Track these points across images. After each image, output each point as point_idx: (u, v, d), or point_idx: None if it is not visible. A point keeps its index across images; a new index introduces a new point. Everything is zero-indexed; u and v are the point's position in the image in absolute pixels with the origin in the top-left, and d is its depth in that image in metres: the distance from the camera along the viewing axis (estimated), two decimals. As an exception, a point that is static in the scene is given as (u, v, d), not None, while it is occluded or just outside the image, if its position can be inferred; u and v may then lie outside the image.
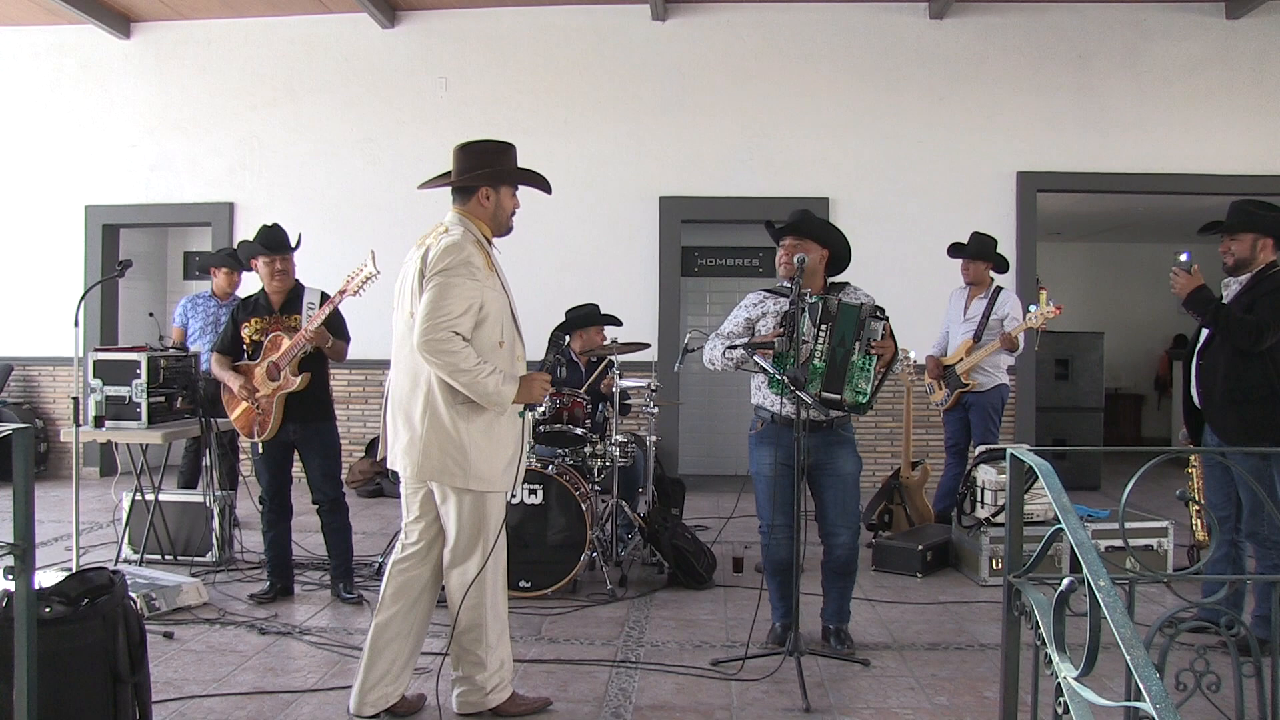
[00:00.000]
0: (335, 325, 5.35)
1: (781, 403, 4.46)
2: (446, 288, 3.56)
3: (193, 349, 7.23)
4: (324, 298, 5.31)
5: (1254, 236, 4.70)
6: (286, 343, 5.20)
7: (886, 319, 4.45)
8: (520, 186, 3.93)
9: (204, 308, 7.44)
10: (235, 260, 7.36)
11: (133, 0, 9.37)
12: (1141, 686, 1.73)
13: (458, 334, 3.53)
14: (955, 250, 7.14)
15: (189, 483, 7.27)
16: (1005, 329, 6.82)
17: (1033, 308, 6.71)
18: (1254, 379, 4.60)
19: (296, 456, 5.49)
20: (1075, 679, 2.08)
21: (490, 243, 3.85)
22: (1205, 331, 4.84)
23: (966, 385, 6.93)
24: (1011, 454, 2.57)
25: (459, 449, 3.63)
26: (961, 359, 6.95)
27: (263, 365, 5.25)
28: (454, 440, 3.63)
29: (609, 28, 9.47)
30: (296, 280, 5.53)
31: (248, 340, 5.40)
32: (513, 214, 3.89)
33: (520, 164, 3.92)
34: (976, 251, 7.04)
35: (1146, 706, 1.72)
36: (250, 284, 6.76)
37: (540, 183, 3.93)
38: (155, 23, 9.80)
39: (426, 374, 3.65)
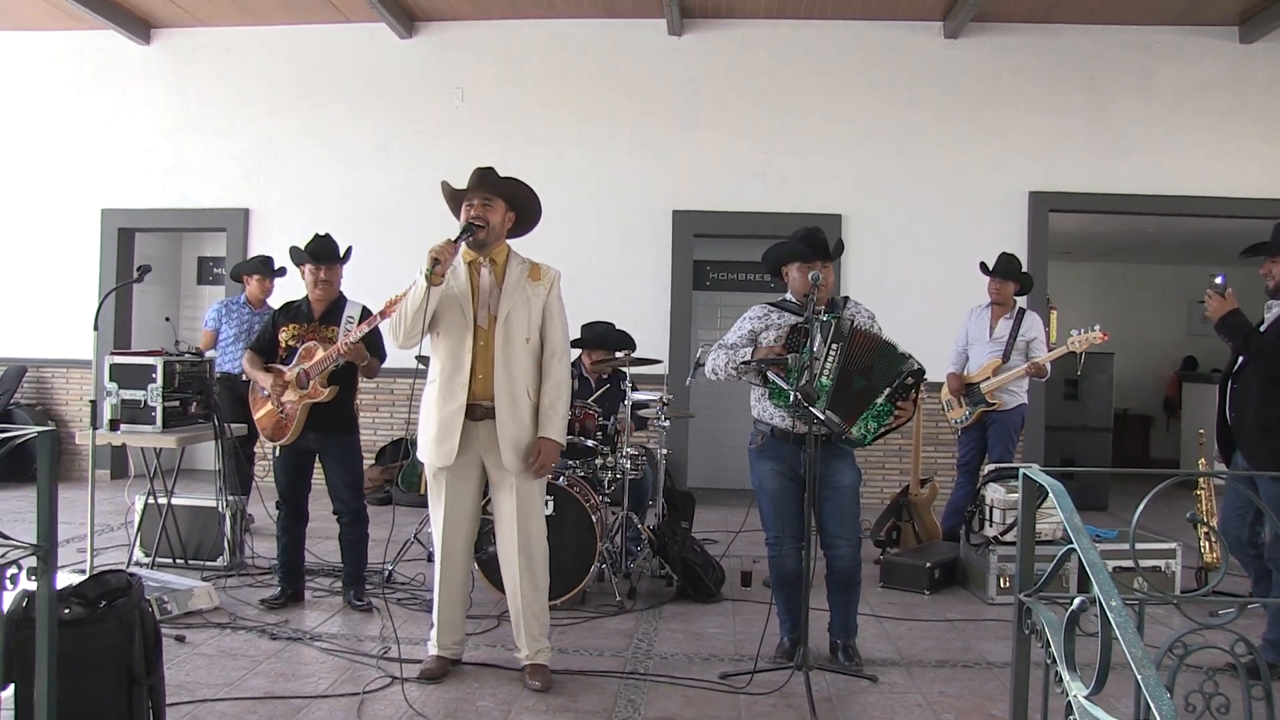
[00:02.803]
0: (372, 342, 5.34)
1: (783, 416, 4.50)
2: None
3: (225, 355, 7.33)
4: (365, 314, 5.31)
5: None
6: (320, 353, 5.23)
7: (919, 385, 4.50)
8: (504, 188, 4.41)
9: (238, 314, 7.50)
10: (267, 268, 7.47)
11: (153, 7, 9.45)
12: (1152, 706, 1.76)
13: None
14: (986, 269, 7.11)
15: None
16: (1031, 351, 6.88)
17: (1075, 331, 6.72)
18: None
19: (317, 465, 5.53)
20: (1085, 698, 2.10)
21: (492, 259, 4.41)
22: (1242, 356, 4.81)
23: (992, 404, 6.95)
24: (1024, 473, 2.59)
25: None
26: (988, 378, 6.96)
27: (294, 372, 5.30)
28: None
29: (625, 41, 9.52)
30: (340, 292, 5.57)
31: (283, 345, 5.44)
32: (467, 222, 4.32)
33: (535, 175, 4.63)
34: (1007, 271, 7.06)
35: (1157, 726, 1.74)
36: (281, 292, 6.90)
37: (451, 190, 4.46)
38: (175, 29, 9.87)
39: None
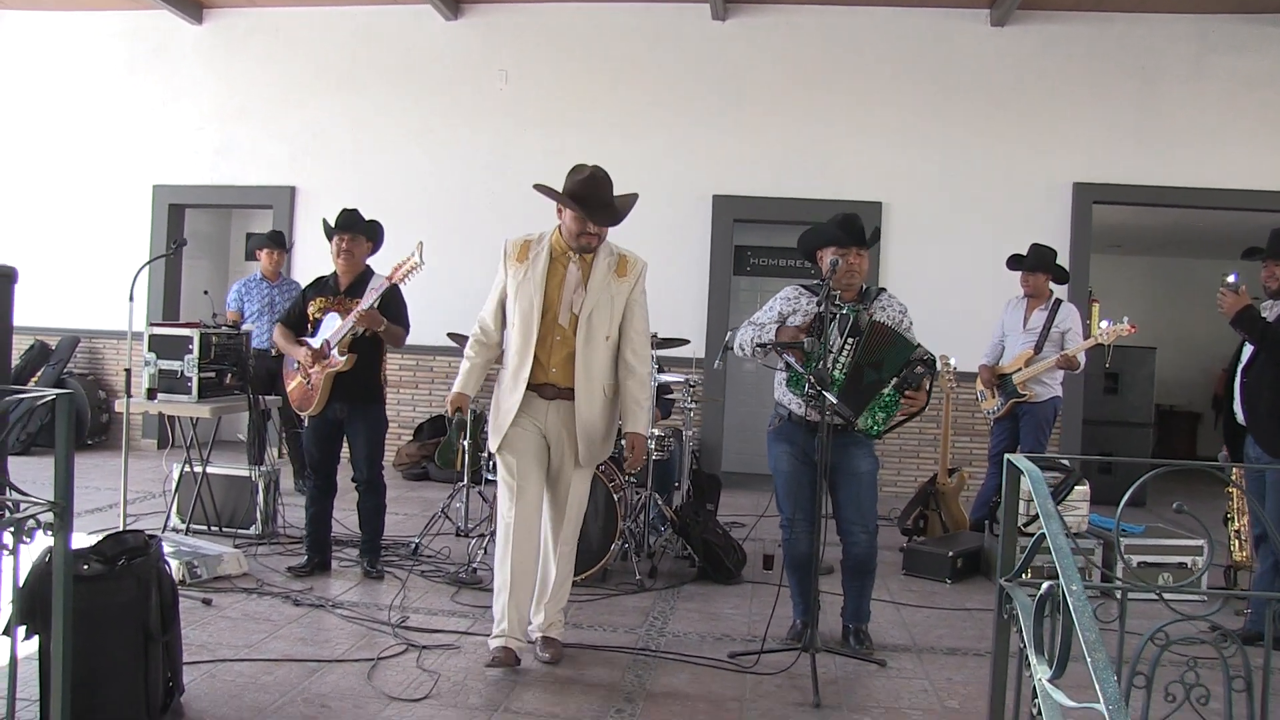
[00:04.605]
0: (393, 311, 5.47)
1: (799, 403, 4.53)
2: None
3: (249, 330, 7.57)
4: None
5: None
6: (339, 323, 5.36)
7: (933, 368, 4.47)
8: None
9: (257, 290, 7.79)
10: (274, 242, 7.70)
11: (206, -13, 9.65)
12: (1098, 689, 1.79)
13: (479, 330, 4.45)
14: (1015, 262, 7.13)
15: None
16: (1066, 342, 6.85)
17: (1104, 324, 6.70)
18: None
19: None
20: (1048, 680, 2.13)
21: (578, 251, 4.32)
22: (1248, 350, 5.04)
23: (1023, 395, 6.93)
24: (1007, 459, 2.62)
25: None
26: (1020, 369, 6.95)
27: (318, 343, 5.44)
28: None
29: (669, 26, 9.54)
30: (367, 266, 5.68)
31: (311, 318, 5.58)
32: (580, 235, 4.25)
33: (576, 159, 4.41)
34: (1035, 263, 7.04)
35: (1100, 707, 1.77)
36: (301, 266, 7.09)
37: (564, 199, 4.26)
38: (227, 9, 10.04)
39: None
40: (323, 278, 5.77)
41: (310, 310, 5.60)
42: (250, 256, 8.17)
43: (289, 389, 5.64)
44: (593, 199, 4.20)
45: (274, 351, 6.01)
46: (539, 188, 4.37)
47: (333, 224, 5.62)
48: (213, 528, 6.30)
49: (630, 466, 4.50)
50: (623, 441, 4.47)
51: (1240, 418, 5.04)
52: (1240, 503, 6.29)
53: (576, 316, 4.25)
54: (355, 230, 5.60)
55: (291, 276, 8.63)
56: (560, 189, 4.29)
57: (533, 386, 4.26)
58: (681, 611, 5.30)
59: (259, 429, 6.25)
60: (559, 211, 4.31)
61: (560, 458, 4.35)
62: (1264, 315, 5.02)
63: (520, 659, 4.26)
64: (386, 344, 5.60)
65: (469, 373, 4.44)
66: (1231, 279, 4.98)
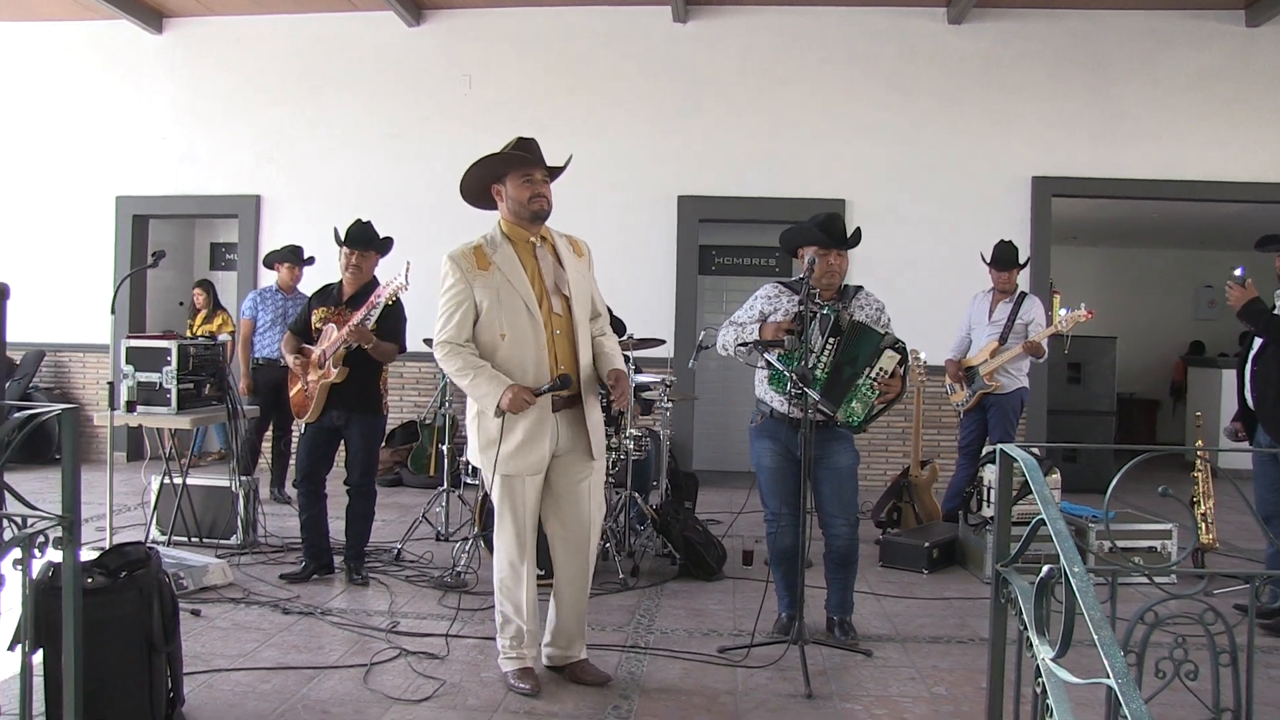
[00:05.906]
0: (389, 327, 5.52)
1: (781, 400, 4.61)
2: (441, 304, 4.01)
3: (262, 340, 7.85)
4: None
5: None
6: (335, 334, 5.40)
7: (904, 354, 4.53)
8: (555, 173, 4.15)
9: (272, 301, 7.90)
10: (296, 256, 7.80)
11: (165, -4, 9.59)
12: (1106, 663, 1.88)
13: (458, 344, 3.97)
14: (1000, 262, 7.19)
15: (245, 468, 7.43)
16: (1030, 334, 6.98)
17: (1063, 311, 6.85)
18: None
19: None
20: (1052, 659, 2.21)
21: (532, 220, 4.07)
22: (1259, 340, 5.21)
23: (990, 387, 7.06)
24: (1001, 450, 2.71)
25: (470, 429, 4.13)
26: (986, 360, 7.08)
27: (317, 352, 5.52)
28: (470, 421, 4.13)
29: (631, 28, 9.61)
30: (374, 277, 5.74)
31: (314, 327, 5.66)
32: (534, 198, 4.01)
33: (543, 159, 4.11)
34: (1012, 260, 7.15)
35: (1110, 681, 1.86)
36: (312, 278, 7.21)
37: (510, 159, 4.03)
38: (187, 18, 10.00)
39: None
40: (329, 286, 5.83)
41: (314, 319, 5.67)
42: (269, 267, 8.24)
43: (292, 394, 5.73)
44: (530, 151, 4.05)
45: (282, 362, 6.07)
46: (471, 170, 4.05)
47: (343, 234, 5.65)
48: (193, 539, 6.30)
49: (620, 403, 4.12)
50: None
51: (1250, 404, 5.25)
52: (1206, 486, 6.47)
53: (568, 298, 4.03)
54: (365, 247, 5.65)
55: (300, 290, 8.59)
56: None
57: None
58: (667, 609, 5.37)
59: (252, 440, 6.26)
60: (498, 194, 4.07)
61: (574, 467, 4.09)
62: (1276, 303, 5.20)
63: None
64: (376, 358, 5.58)
65: (493, 373, 3.92)
66: (1238, 272, 5.14)
